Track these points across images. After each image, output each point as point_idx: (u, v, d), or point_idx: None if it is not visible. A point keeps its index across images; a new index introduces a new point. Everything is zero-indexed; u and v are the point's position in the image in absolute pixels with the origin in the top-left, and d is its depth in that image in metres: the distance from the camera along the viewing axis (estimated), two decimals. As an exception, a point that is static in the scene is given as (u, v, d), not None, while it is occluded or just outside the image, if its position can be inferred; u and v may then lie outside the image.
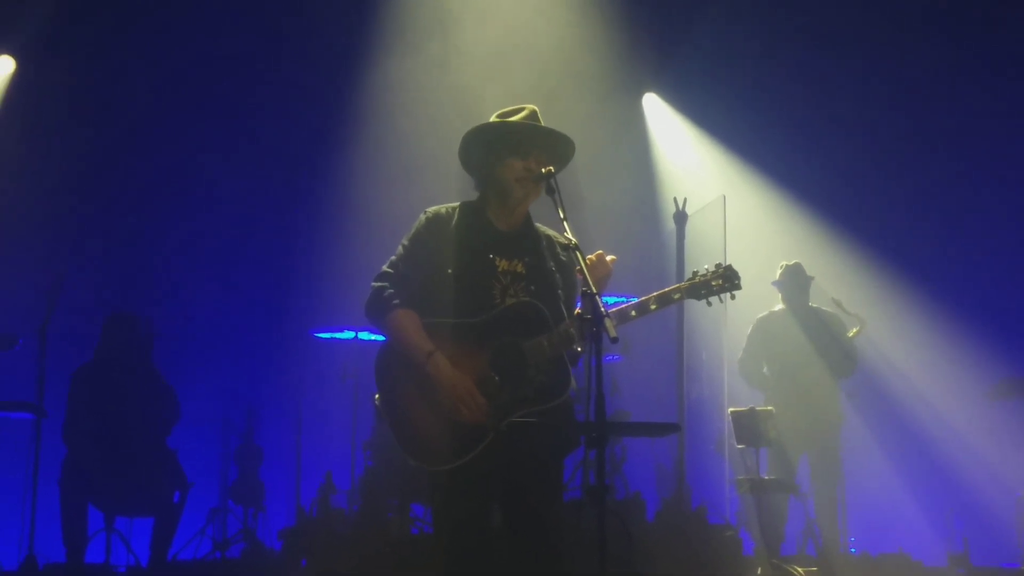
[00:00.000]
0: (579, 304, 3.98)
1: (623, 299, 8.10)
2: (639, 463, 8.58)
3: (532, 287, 4.12)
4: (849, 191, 9.71)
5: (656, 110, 10.19)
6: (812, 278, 8.09)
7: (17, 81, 9.08)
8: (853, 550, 8.29)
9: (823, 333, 7.89)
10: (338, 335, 8.50)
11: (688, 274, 4.24)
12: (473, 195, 4.29)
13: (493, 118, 4.25)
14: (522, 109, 4.26)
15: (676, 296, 4.17)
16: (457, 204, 4.25)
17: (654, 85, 10.08)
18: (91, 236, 9.29)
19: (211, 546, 8.22)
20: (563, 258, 4.25)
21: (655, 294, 4.15)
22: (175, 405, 7.25)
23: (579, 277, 3.94)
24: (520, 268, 4.15)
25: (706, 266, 4.21)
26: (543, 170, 4.06)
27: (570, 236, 3.94)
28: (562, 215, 3.99)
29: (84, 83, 8.97)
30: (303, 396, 8.86)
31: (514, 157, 4.14)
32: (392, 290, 4.09)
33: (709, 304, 4.21)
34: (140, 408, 7.05)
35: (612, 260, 4.15)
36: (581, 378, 8.10)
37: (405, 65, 8.71)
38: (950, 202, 9.68)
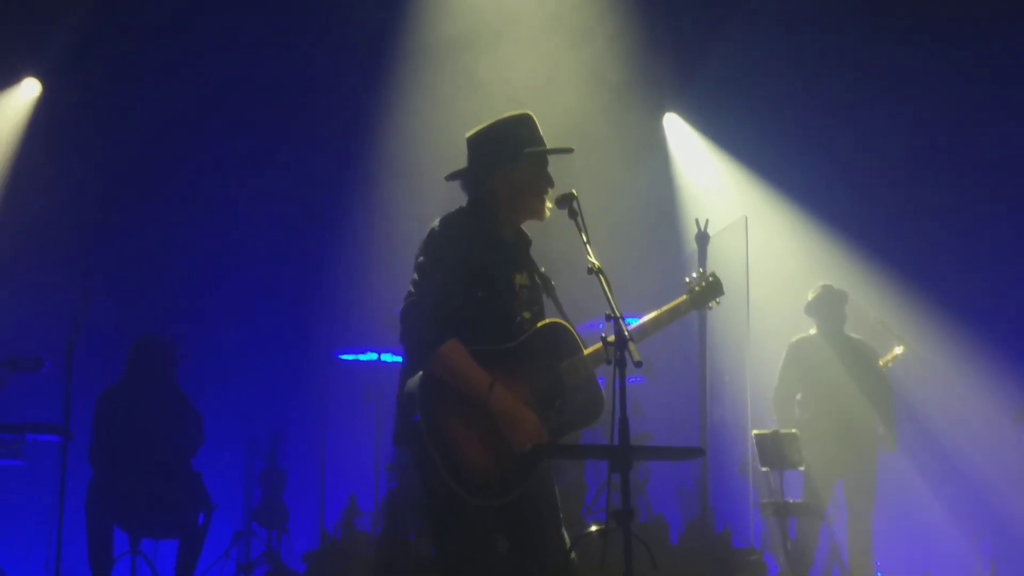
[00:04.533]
0: (602, 327, 3.97)
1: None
2: (662, 485, 8.54)
3: (535, 294, 4.14)
4: (872, 211, 9.66)
5: (677, 130, 10.19)
6: (845, 294, 7.98)
7: (43, 103, 9.19)
8: (879, 574, 8.21)
9: (859, 359, 7.80)
10: (361, 357, 8.51)
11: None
12: (450, 207, 4.16)
13: (501, 124, 4.16)
14: (527, 118, 4.18)
15: (684, 310, 4.29)
16: (461, 214, 4.11)
17: (675, 105, 10.08)
18: (117, 258, 9.36)
19: (235, 569, 8.23)
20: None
21: (666, 308, 4.24)
22: (200, 428, 7.28)
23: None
24: (526, 280, 4.13)
25: (694, 274, 4.33)
26: (566, 193, 4.07)
27: (593, 260, 3.94)
28: (585, 238, 4.00)
29: (109, 105, 9.08)
30: (327, 418, 8.87)
31: (546, 180, 4.14)
32: (437, 321, 3.87)
33: (709, 308, 4.36)
34: (166, 431, 7.08)
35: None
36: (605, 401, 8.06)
37: (428, 90, 8.76)
38: (977, 222, 9.63)
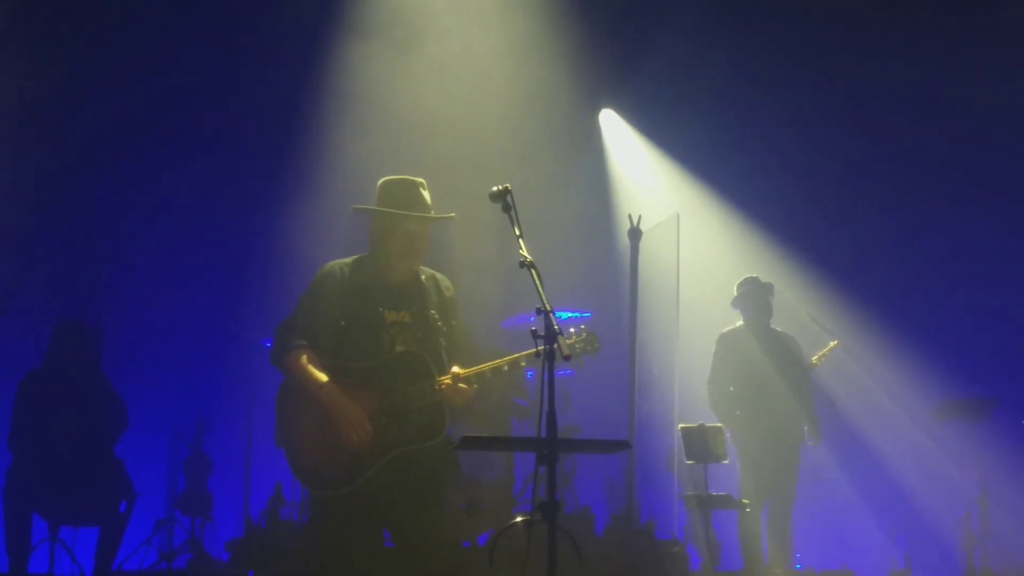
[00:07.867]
0: (532, 320, 4.04)
1: (576, 314, 8.18)
2: (589, 477, 8.61)
3: (419, 335, 4.60)
4: (804, 209, 9.82)
5: (613, 126, 10.26)
6: (771, 286, 8.09)
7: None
8: (798, 566, 8.37)
9: (783, 352, 7.93)
10: (290, 345, 8.43)
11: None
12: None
13: (381, 184, 4.69)
14: (410, 184, 4.64)
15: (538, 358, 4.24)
16: (351, 260, 4.70)
17: (611, 101, 10.14)
18: (42, 242, 9.16)
19: (157, 557, 8.14)
20: (447, 296, 4.73)
21: (517, 355, 4.48)
22: (123, 414, 7.16)
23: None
24: (407, 318, 4.60)
25: (572, 329, 4.45)
26: (500, 187, 4.11)
27: (525, 254, 3.98)
28: (518, 232, 4.06)
29: (36, 87, 8.85)
30: (253, 406, 8.79)
31: (400, 236, 4.59)
32: (293, 334, 4.56)
33: (573, 367, 4.44)
34: (87, 417, 6.95)
35: (465, 388, 4.48)
36: (534, 392, 8.14)
37: (365, 81, 8.69)
38: (911, 219, 9.84)
